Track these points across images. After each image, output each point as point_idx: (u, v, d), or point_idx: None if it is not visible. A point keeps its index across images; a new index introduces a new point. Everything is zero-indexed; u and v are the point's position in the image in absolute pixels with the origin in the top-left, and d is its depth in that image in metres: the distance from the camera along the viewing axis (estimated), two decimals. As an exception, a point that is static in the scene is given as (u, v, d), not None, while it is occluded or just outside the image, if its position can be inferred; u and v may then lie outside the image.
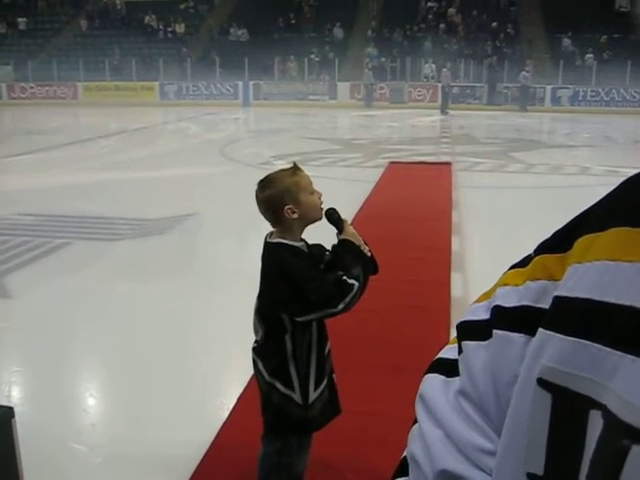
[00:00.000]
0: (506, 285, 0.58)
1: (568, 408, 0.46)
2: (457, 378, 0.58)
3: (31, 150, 13.48)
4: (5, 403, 3.17)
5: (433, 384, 0.61)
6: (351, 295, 2.13)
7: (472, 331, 0.59)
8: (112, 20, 31.42)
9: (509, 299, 0.56)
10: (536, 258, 0.56)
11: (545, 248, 0.56)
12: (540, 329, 0.49)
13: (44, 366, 3.96)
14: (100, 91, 27.64)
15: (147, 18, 30.52)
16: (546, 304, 0.51)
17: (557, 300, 0.49)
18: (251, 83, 26.76)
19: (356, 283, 2.14)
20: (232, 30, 29.60)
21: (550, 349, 0.47)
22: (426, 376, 0.63)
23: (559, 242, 0.54)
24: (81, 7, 32.37)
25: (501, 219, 7.57)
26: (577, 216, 0.54)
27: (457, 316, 4.39)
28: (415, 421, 0.61)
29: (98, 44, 29.39)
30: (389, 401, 3.32)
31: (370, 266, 2.25)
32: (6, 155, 12.78)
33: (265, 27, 28.69)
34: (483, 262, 5.89)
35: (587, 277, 0.47)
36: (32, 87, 28.23)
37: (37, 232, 6.98)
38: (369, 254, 2.25)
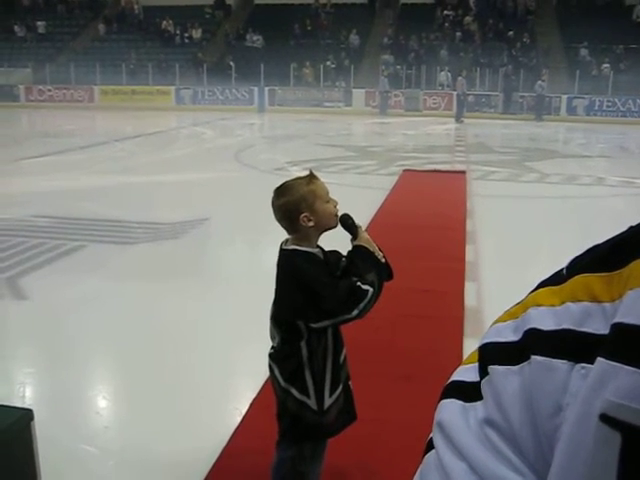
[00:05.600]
0: (540, 305, 0.52)
1: None
2: (478, 403, 0.53)
3: (48, 152, 13.58)
4: (20, 404, 3.20)
5: (451, 411, 0.54)
6: (365, 301, 2.12)
7: (500, 354, 0.53)
8: (129, 25, 31.66)
9: (547, 321, 0.50)
10: (576, 277, 0.51)
11: (585, 267, 0.51)
12: (601, 359, 0.43)
13: (58, 368, 3.98)
14: (116, 95, 27.85)
15: (164, 23, 30.72)
16: (591, 328, 0.46)
17: (621, 327, 0.43)
18: (266, 89, 26.84)
19: (370, 289, 2.13)
20: (248, 36, 29.71)
21: (616, 382, 0.42)
22: (442, 402, 0.56)
23: (602, 261, 0.49)
24: (99, 11, 32.67)
25: (516, 229, 7.53)
26: (623, 233, 0.49)
27: (471, 326, 4.37)
28: (428, 447, 0.55)
29: (115, 48, 29.61)
30: (401, 409, 3.32)
31: (384, 272, 2.24)
32: (23, 157, 12.89)
33: (281, 33, 28.79)
34: (498, 272, 5.86)
35: None
36: (50, 90, 28.47)
37: (52, 234, 7.02)
38: (383, 260, 2.25)
